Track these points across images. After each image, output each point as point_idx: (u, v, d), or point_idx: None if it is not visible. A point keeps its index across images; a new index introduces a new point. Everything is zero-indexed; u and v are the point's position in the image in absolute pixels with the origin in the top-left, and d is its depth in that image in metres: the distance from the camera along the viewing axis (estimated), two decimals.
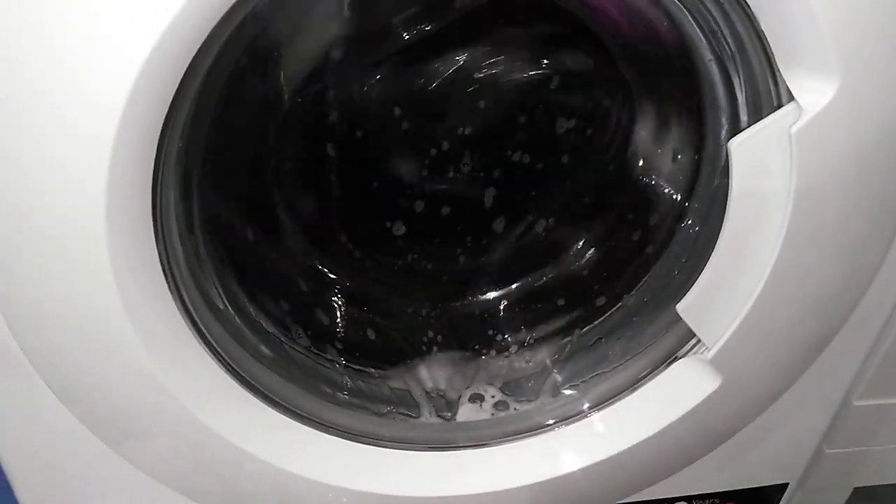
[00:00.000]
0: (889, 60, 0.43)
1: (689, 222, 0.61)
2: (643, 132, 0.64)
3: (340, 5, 0.53)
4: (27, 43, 0.38)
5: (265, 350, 0.57)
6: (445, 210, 0.66)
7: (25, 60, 0.38)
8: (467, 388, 0.64)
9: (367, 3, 0.54)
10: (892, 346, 0.67)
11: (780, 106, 0.47)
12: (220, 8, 0.39)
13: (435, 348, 0.66)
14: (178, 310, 0.48)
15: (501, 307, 0.70)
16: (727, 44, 0.49)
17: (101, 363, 0.47)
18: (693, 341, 0.58)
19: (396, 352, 0.66)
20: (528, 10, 0.59)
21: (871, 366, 0.69)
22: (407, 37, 0.57)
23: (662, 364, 0.59)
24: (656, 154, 0.63)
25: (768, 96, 0.47)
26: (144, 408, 0.49)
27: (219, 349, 0.52)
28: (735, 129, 0.52)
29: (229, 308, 0.55)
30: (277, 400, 0.54)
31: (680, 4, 0.50)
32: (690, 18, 0.51)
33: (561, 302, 0.68)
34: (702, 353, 0.57)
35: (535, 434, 0.59)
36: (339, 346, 0.64)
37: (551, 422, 0.59)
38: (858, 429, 0.75)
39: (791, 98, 0.45)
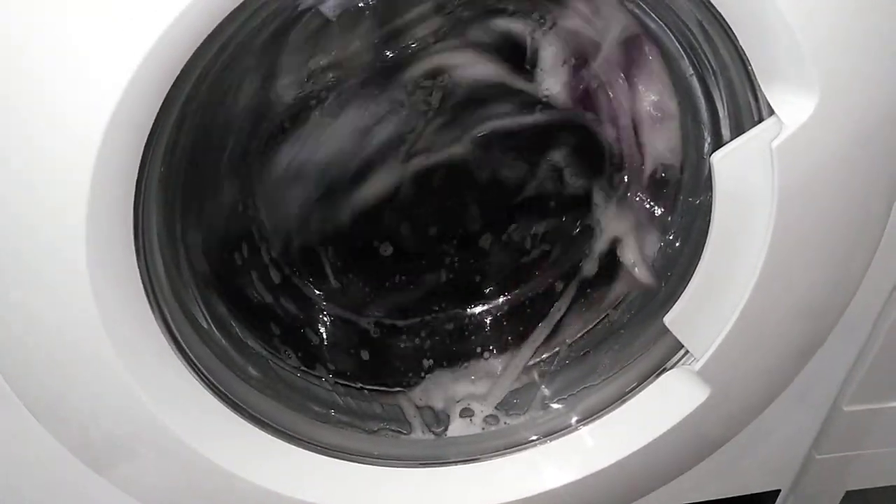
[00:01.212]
0: (867, 75, 0.44)
1: (671, 237, 0.61)
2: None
3: (320, 31, 0.53)
4: (8, 66, 0.38)
5: (252, 370, 0.57)
6: (432, 230, 0.66)
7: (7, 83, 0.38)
8: (458, 402, 0.64)
9: (348, 26, 0.54)
10: (880, 351, 0.68)
11: (761, 120, 0.47)
12: (198, 35, 0.39)
13: (425, 364, 0.66)
14: (161, 330, 0.48)
15: (488, 321, 0.70)
16: (707, 59, 0.49)
17: (81, 385, 0.47)
18: (681, 352, 0.58)
19: (388, 370, 0.66)
20: None
21: (860, 371, 0.70)
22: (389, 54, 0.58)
23: (651, 376, 0.59)
24: (640, 169, 0.63)
25: (749, 111, 0.48)
26: (128, 431, 0.49)
27: (203, 370, 0.51)
28: (718, 143, 0.52)
29: (213, 328, 0.55)
30: (265, 420, 0.54)
31: (658, 20, 0.50)
32: (669, 34, 0.51)
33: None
34: (690, 364, 0.57)
35: (526, 448, 0.59)
36: (331, 366, 0.64)
37: (541, 436, 0.59)
38: (848, 433, 0.76)
39: (772, 112, 0.45)
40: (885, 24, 0.43)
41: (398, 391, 0.64)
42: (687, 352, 0.57)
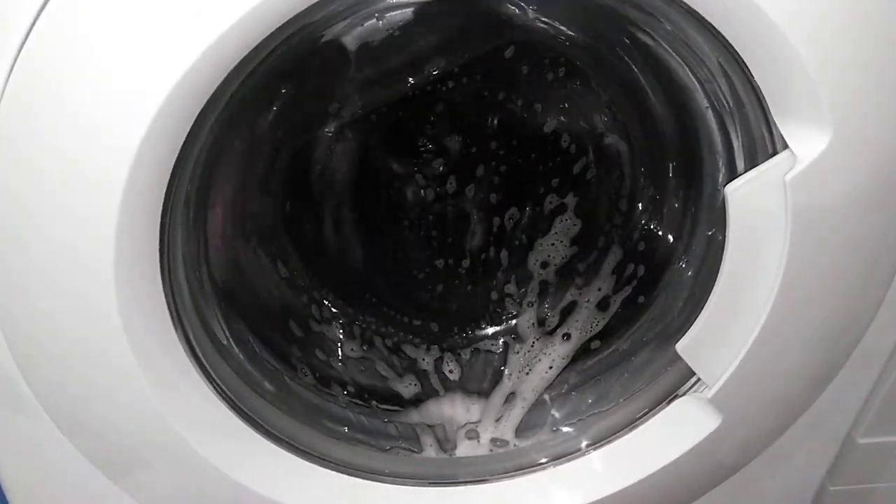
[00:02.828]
0: (880, 113, 0.44)
1: (683, 266, 0.62)
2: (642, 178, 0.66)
3: (346, 60, 0.54)
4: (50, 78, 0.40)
5: (268, 385, 0.58)
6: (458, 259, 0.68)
7: (42, 107, 0.40)
8: (472, 423, 0.65)
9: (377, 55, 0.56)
10: (895, 384, 0.67)
11: (775, 153, 0.47)
12: (228, 63, 0.40)
13: (441, 385, 0.67)
14: (182, 344, 0.49)
15: (500, 343, 0.70)
16: (722, 93, 0.50)
17: (101, 393, 0.48)
18: (693, 380, 0.58)
19: (405, 384, 0.67)
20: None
21: (875, 403, 0.69)
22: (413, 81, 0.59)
23: (662, 402, 0.59)
24: (655, 198, 0.64)
25: (763, 144, 0.48)
26: (145, 441, 0.50)
27: (220, 383, 0.53)
28: (732, 174, 0.53)
29: (233, 344, 0.56)
30: (279, 435, 0.55)
31: (674, 54, 0.51)
32: (686, 67, 0.52)
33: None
34: (702, 391, 0.57)
35: (535, 471, 0.59)
36: (350, 386, 0.65)
37: (550, 459, 0.60)
38: (863, 466, 0.75)
39: (786, 146, 0.46)
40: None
41: (411, 410, 0.65)
42: (699, 379, 0.57)
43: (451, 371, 0.68)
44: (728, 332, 0.53)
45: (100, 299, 0.44)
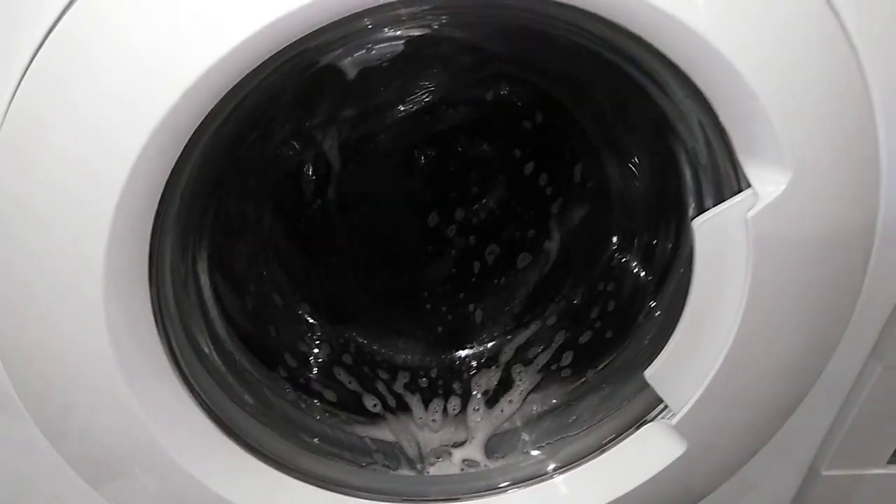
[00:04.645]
0: (839, 157, 0.47)
1: (654, 304, 0.64)
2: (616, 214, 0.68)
3: (337, 87, 0.56)
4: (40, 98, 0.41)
5: (248, 398, 0.59)
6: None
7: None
8: (445, 444, 0.66)
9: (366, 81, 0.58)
10: (858, 415, 0.69)
11: (740, 190, 0.50)
12: (224, 85, 0.42)
13: (413, 404, 0.69)
14: (165, 354, 0.51)
15: (475, 365, 0.72)
16: (692, 132, 0.52)
17: (85, 401, 0.49)
18: (661, 406, 0.60)
19: (380, 402, 0.68)
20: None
21: (838, 436, 0.71)
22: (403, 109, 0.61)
23: (631, 427, 0.61)
24: (627, 236, 0.66)
25: (730, 181, 0.51)
26: (124, 447, 0.51)
27: (202, 394, 0.54)
28: (701, 209, 0.55)
29: (215, 354, 0.57)
30: (258, 447, 0.56)
31: (648, 94, 0.53)
32: (659, 106, 0.54)
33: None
34: (669, 418, 0.59)
35: (503, 492, 0.61)
36: (330, 399, 0.66)
37: (517, 481, 0.61)
38: (829, 500, 0.76)
39: (749, 184, 0.48)
40: (855, 109, 0.46)
41: (383, 426, 0.66)
42: (667, 406, 0.59)
43: (423, 390, 0.70)
44: (693, 361, 0.55)
45: (86, 308, 0.45)
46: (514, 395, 0.68)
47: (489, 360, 0.71)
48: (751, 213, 0.47)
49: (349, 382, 0.68)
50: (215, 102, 0.42)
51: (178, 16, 0.40)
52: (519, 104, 0.64)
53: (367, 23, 0.46)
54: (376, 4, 0.42)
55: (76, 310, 0.46)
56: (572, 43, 0.48)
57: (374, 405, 0.67)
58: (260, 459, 0.56)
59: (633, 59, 0.48)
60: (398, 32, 0.49)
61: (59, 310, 0.46)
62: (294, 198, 0.64)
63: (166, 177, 0.44)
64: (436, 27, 0.49)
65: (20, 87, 0.41)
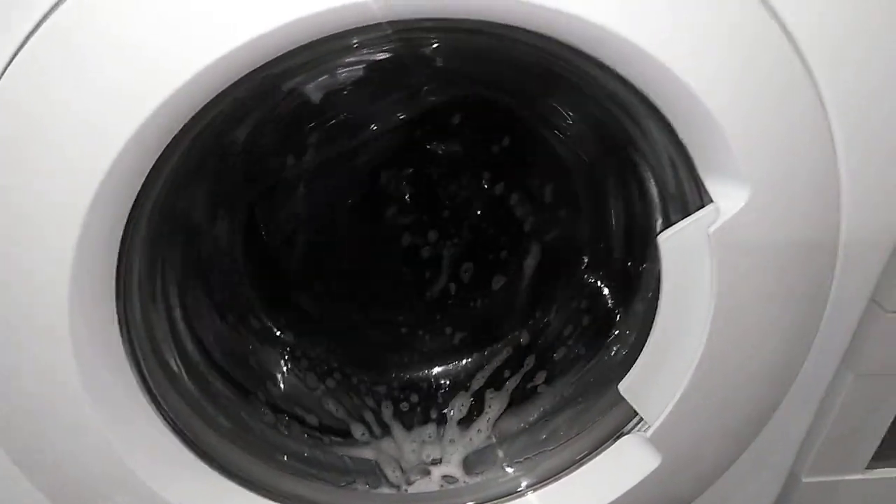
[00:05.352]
0: (797, 173, 0.48)
1: (625, 325, 0.64)
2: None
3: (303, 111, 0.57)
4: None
5: (223, 420, 0.59)
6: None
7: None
8: (423, 462, 0.66)
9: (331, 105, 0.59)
10: (835, 423, 0.70)
11: (703, 206, 0.51)
12: (190, 109, 0.43)
13: (391, 423, 0.69)
14: (134, 377, 0.51)
15: (447, 382, 0.72)
16: (656, 150, 0.53)
17: (55, 428, 0.49)
18: (637, 418, 0.60)
19: (359, 423, 0.68)
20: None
21: (816, 442, 0.71)
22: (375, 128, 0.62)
23: (608, 440, 0.61)
24: (597, 254, 0.67)
25: (693, 196, 0.51)
26: (97, 475, 0.51)
27: (173, 417, 0.54)
28: (667, 224, 0.55)
29: (184, 373, 0.57)
30: (232, 470, 0.56)
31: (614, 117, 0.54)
32: (624, 126, 0.55)
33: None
34: (644, 430, 0.59)
35: None
36: (305, 418, 0.66)
37: (493, 499, 0.61)
38: None
39: (711, 199, 0.49)
40: (810, 121, 0.47)
41: (362, 445, 0.67)
42: (642, 418, 0.59)
43: (400, 409, 0.70)
44: (666, 373, 0.55)
45: (52, 329, 0.45)
46: (484, 422, 0.68)
47: (463, 379, 0.72)
48: (712, 228, 0.48)
49: (336, 410, 0.68)
50: (184, 122, 0.43)
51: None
52: (486, 125, 0.64)
53: (335, 46, 0.46)
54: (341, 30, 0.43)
55: (39, 331, 0.45)
56: (537, 64, 0.49)
57: (363, 434, 0.67)
58: (234, 482, 0.56)
59: (594, 79, 0.48)
60: (361, 58, 0.50)
61: (22, 333, 0.46)
62: (266, 221, 0.65)
63: (134, 195, 0.45)
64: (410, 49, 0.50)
65: None
